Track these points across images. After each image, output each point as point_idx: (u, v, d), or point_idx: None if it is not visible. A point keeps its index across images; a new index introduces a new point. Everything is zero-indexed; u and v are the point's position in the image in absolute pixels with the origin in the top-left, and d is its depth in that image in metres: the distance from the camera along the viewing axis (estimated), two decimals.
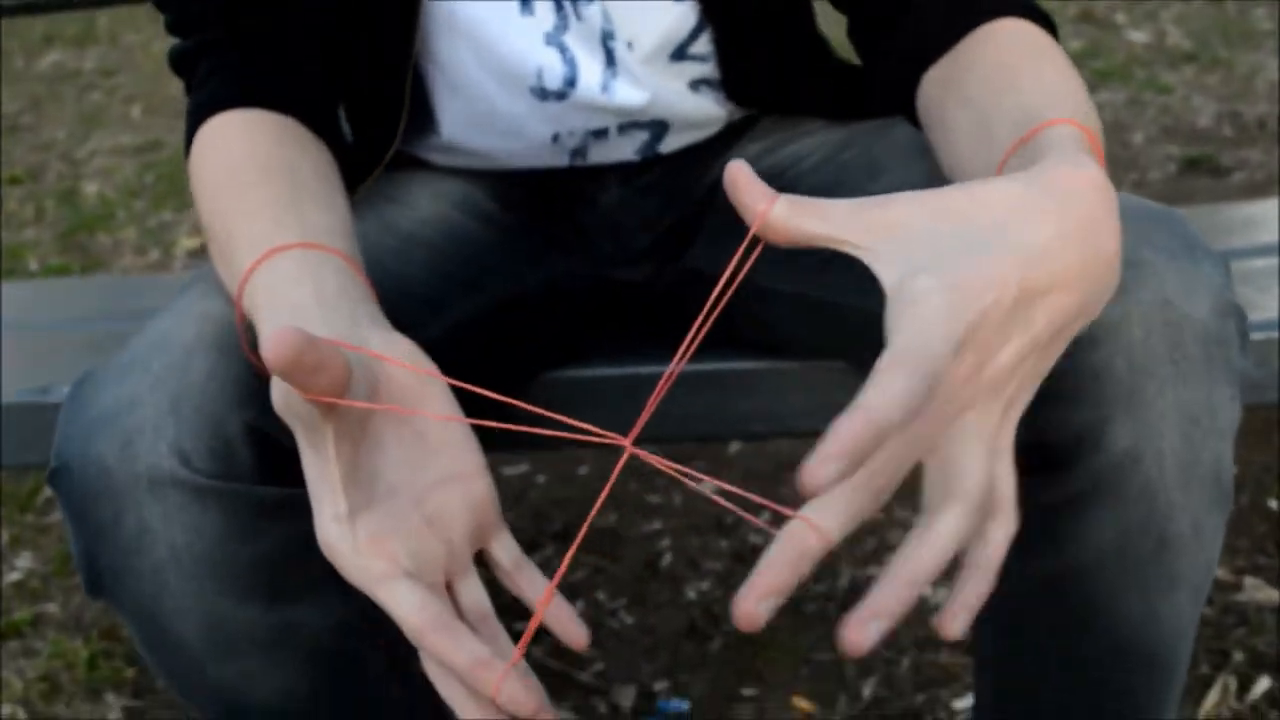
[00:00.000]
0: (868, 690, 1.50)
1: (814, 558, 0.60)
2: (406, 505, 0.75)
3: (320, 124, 0.98)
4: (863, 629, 0.58)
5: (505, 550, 0.79)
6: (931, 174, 0.96)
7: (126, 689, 1.60)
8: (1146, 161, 3.02)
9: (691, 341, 0.67)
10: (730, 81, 1.06)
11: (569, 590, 1.72)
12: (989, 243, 0.60)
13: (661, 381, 0.68)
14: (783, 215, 0.64)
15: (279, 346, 0.62)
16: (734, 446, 2.01)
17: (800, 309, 1.00)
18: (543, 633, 1.65)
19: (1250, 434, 1.84)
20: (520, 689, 0.70)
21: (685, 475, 0.67)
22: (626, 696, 1.52)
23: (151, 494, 0.80)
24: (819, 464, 0.53)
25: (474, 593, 0.78)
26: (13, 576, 1.86)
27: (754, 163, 1.09)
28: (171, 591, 0.81)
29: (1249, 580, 1.59)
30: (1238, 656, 1.47)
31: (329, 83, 1.01)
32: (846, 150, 1.05)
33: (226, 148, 0.94)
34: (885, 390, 0.55)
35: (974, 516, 0.61)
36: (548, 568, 1.76)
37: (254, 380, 0.82)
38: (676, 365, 0.67)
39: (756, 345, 1.09)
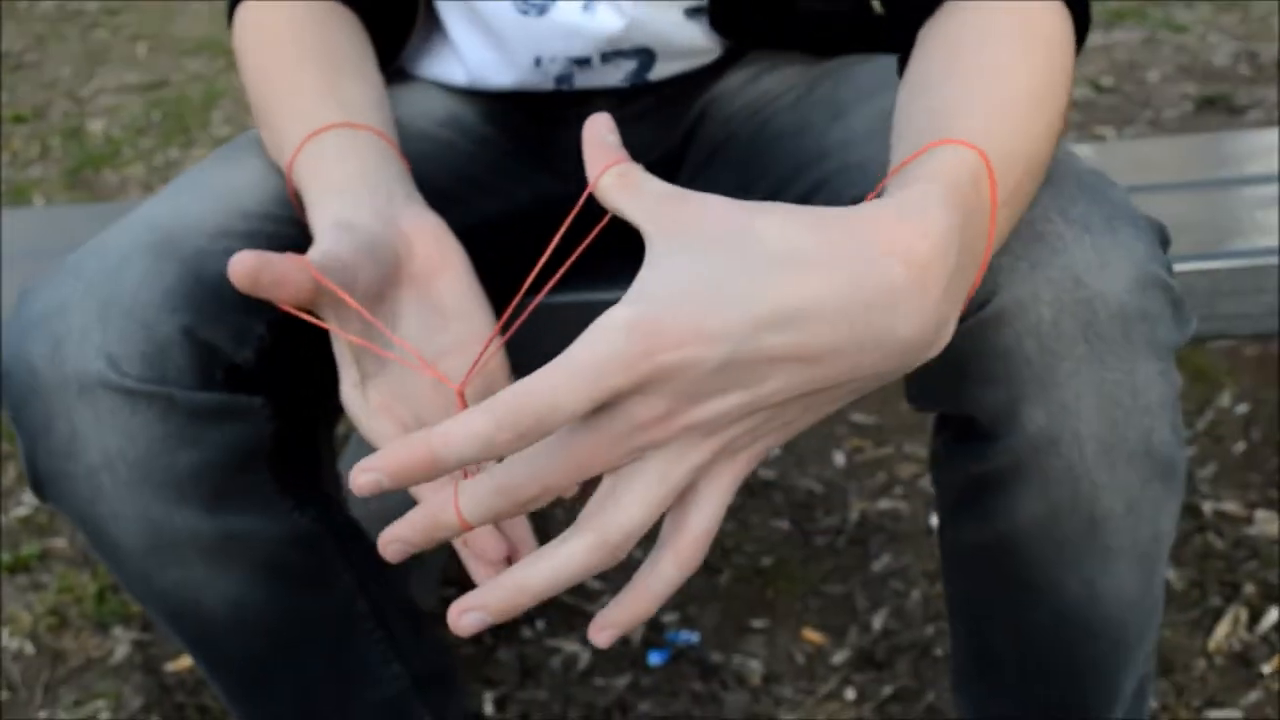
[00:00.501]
0: (877, 622, 1.49)
1: (448, 530, 0.61)
2: (416, 371, 0.80)
3: (366, 13, 1.00)
4: (463, 615, 0.61)
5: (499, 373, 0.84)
6: (879, 121, 0.91)
7: (135, 623, 1.60)
8: (1162, 100, 2.99)
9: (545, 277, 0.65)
10: (717, 11, 1.04)
11: None
12: (731, 290, 0.56)
13: (503, 318, 0.74)
14: (607, 185, 0.64)
15: (237, 270, 0.68)
16: None
17: None
18: None
19: (1262, 368, 1.82)
20: (491, 536, 0.79)
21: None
22: (635, 629, 1.52)
23: (81, 398, 0.79)
24: (359, 471, 0.57)
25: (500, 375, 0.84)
26: (19, 511, 1.86)
27: (735, 94, 1.07)
28: (107, 496, 0.81)
29: (1260, 514, 1.58)
30: (1248, 589, 1.46)
31: None
32: (816, 89, 1.03)
33: (268, 26, 0.95)
34: (462, 426, 0.56)
35: (604, 550, 0.60)
36: (558, 501, 1.75)
37: (192, 286, 0.82)
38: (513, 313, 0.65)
39: None
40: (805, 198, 0.94)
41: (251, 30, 0.96)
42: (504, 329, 0.91)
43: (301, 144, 0.85)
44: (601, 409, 0.57)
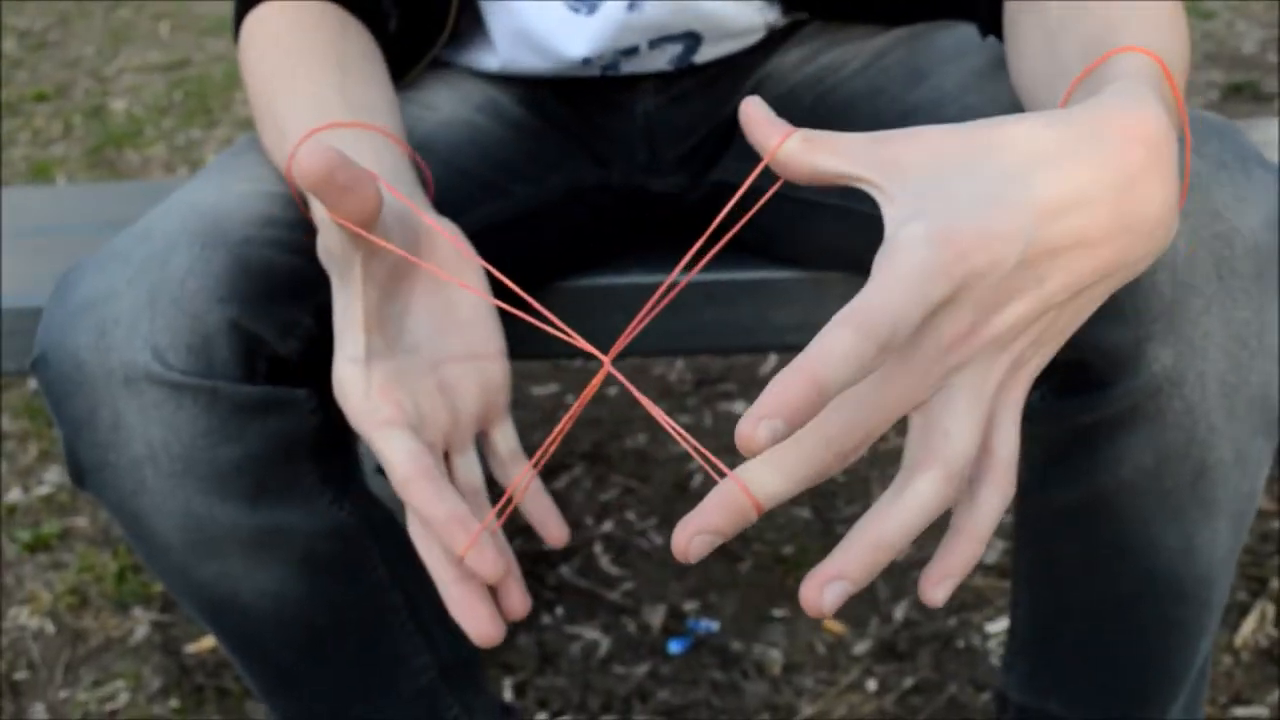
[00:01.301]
0: (899, 613, 1.48)
1: (747, 517, 0.56)
2: (423, 365, 0.78)
3: (366, 13, 0.97)
4: (820, 590, 0.56)
5: (505, 438, 0.83)
6: (972, 77, 0.92)
7: (155, 603, 1.60)
8: (1189, 88, 2.97)
9: (693, 260, 0.64)
10: None
11: (599, 510, 1.71)
12: (1004, 193, 0.55)
13: (654, 298, 0.65)
14: (795, 151, 0.60)
15: (313, 159, 0.63)
16: (765, 367, 1.99)
17: (843, 222, 0.98)
18: (571, 551, 1.65)
19: None
20: (490, 551, 0.72)
21: (669, 427, 0.64)
22: (656, 616, 1.51)
23: (127, 388, 0.78)
24: (751, 424, 0.50)
25: (470, 469, 0.80)
26: (41, 490, 1.86)
27: (793, 70, 1.06)
28: (149, 489, 0.80)
29: None
30: (1275, 584, 1.45)
31: None
32: (888, 55, 1.01)
33: (274, 33, 0.93)
34: (829, 349, 0.51)
35: (951, 483, 0.57)
36: (577, 487, 1.75)
37: (237, 276, 0.81)
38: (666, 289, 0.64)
39: (794, 260, 1.07)
40: None
41: (257, 38, 0.94)
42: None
43: (306, 135, 0.82)
44: (911, 336, 0.55)
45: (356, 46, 0.93)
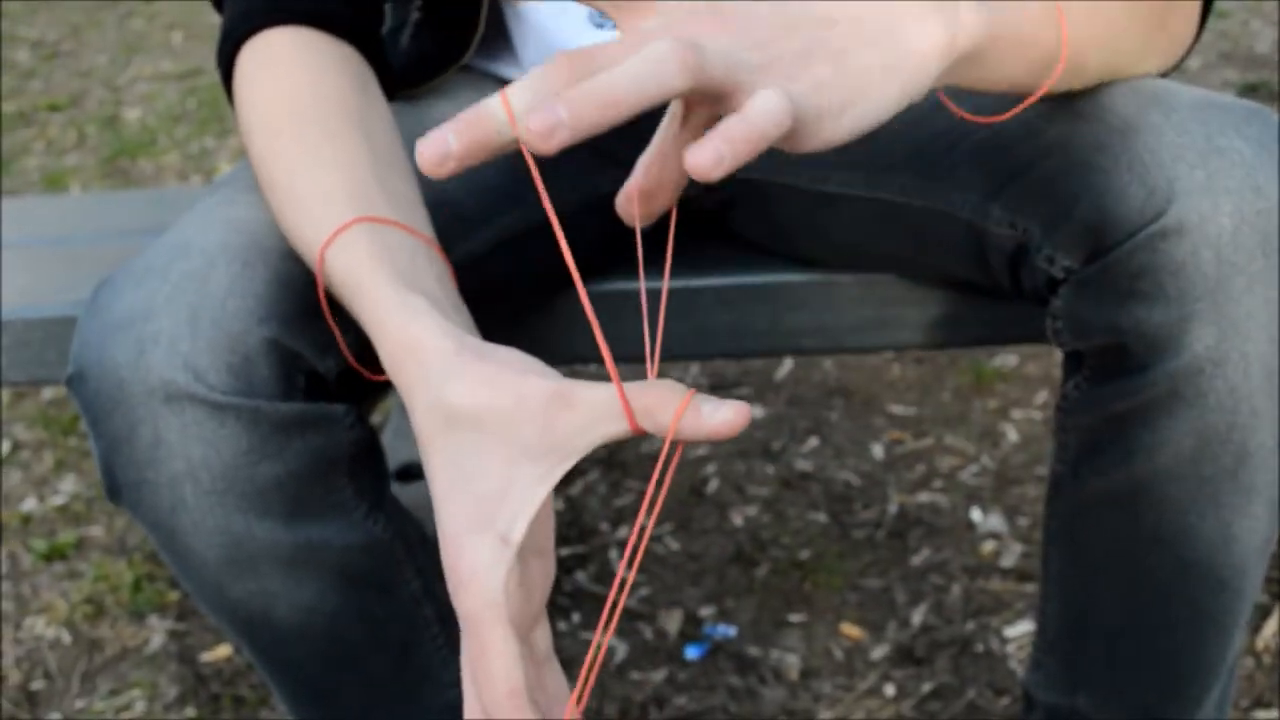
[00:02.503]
0: (917, 618, 1.48)
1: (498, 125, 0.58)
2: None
3: (366, 44, 0.93)
4: (540, 114, 0.55)
5: (543, 638, 0.74)
6: None
7: (170, 612, 1.60)
8: (1203, 87, 2.96)
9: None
10: None
11: (615, 515, 1.71)
12: None
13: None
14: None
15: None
16: (781, 372, 1.98)
17: (861, 212, 0.97)
18: (587, 557, 1.64)
19: None
20: None
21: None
22: (673, 622, 1.51)
23: (167, 406, 0.78)
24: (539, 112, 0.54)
25: (544, 638, 0.73)
26: (57, 500, 1.86)
27: None
28: (188, 507, 0.80)
29: None
30: None
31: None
32: None
33: (280, 76, 0.86)
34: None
35: (686, 52, 0.56)
36: (592, 492, 1.75)
37: (278, 294, 0.80)
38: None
39: (810, 260, 1.06)
40: (925, 145, 0.94)
41: (262, 79, 0.87)
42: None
43: (342, 229, 0.76)
44: None
45: (376, 110, 0.87)
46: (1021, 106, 0.75)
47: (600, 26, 1.00)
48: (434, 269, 0.77)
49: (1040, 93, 0.73)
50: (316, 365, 0.82)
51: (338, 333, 0.81)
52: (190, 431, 0.78)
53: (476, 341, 0.68)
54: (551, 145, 0.54)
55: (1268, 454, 0.79)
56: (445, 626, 0.94)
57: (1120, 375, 0.79)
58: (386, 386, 0.94)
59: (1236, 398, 0.76)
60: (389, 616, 0.91)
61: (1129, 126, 0.77)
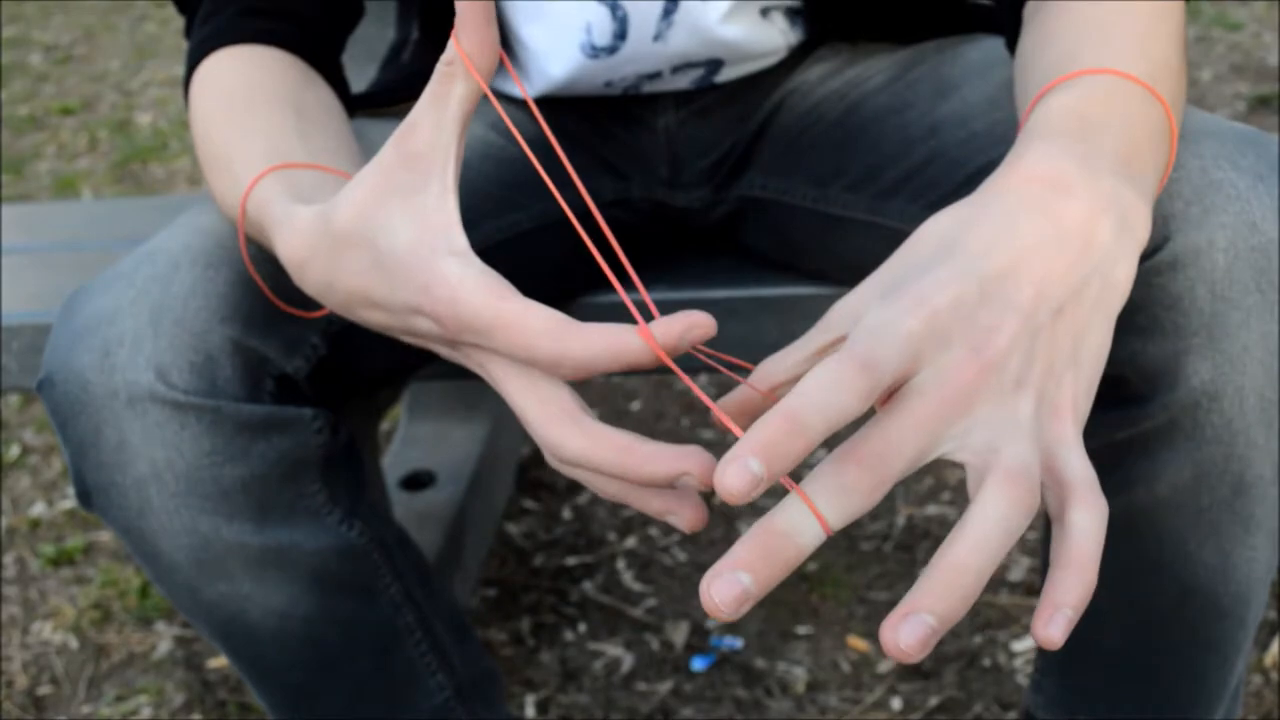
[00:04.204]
0: None
1: (808, 544, 0.52)
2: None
3: (324, 64, 0.93)
4: (896, 627, 0.51)
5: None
6: (1000, 90, 0.92)
7: (177, 618, 1.60)
8: (1215, 99, 2.95)
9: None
10: (812, 9, 1.03)
11: (622, 525, 1.71)
12: (935, 262, 0.58)
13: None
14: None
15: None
16: None
17: (870, 235, 0.97)
18: (594, 567, 1.64)
19: None
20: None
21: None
22: (679, 633, 1.50)
23: (130, 409, 0.78)
24: (728, 466, 0.49)
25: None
26: (65, 505, 1.87)
27: (817, 85, 1.05)
28: (155, 509, 0.80)
29: None
30: None
31: (333, 23, 0.96)
32: (914, 69, 1.01)
33: (226, 78, 0.87)
34: (807, 387, 0.50)
35: (1016, 484, 0.54)
36: (600, 502, 1.74)
37: (242, 294, 0.81)
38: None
39: (819, 275, 1.06)
40: (916, 171, 0.94)
41: (208, 85, 0.88)
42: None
43: (261, 175, 0.77)
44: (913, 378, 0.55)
45: (314, 95, 0.88)
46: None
47: (594, 57, 1.00)
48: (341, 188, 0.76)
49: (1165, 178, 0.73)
50: (284, 367, 0.82)
51: (251, 268, 0.81)
52: (153, 433, 0.78)
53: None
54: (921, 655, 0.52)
55: (1266, 486, 0.78)
56: (428, 632, 0.94)
57: (1119, 405, 0.79)
58: (365, 389, 0.94)
59: (1233, 431, 0.76)
60: (367, 621, 0.91)
61: None
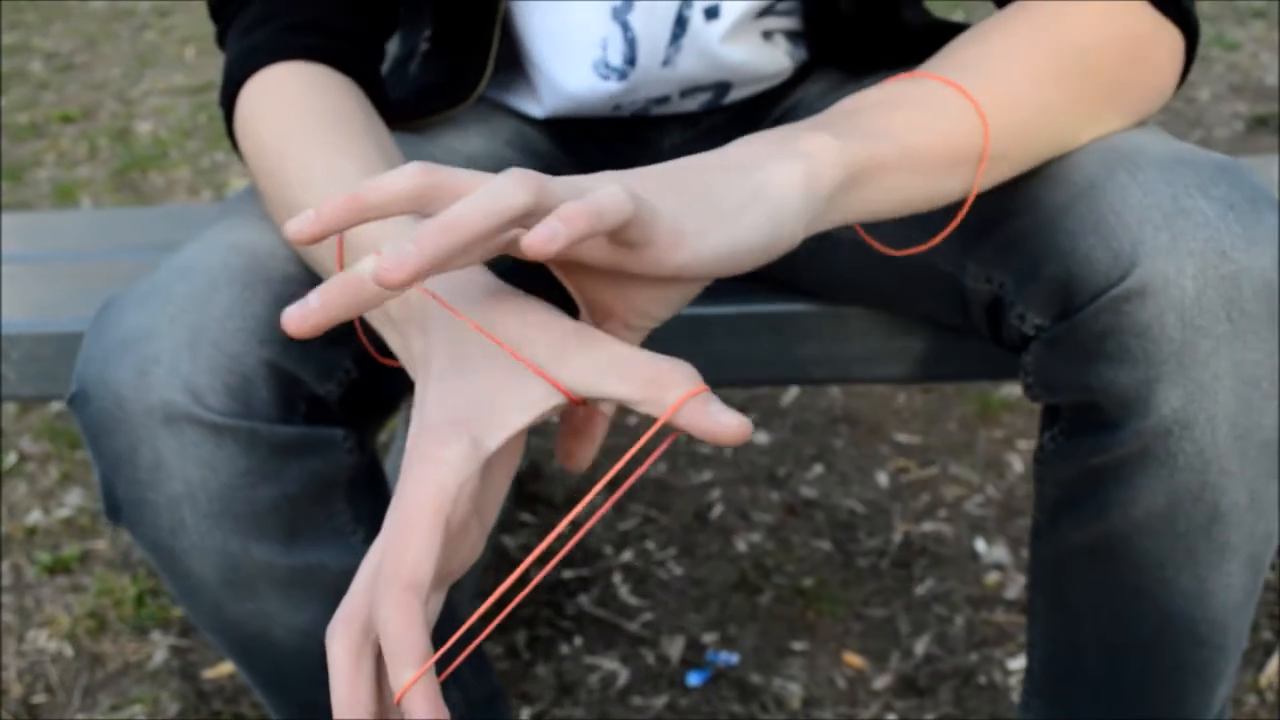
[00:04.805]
0: (920, 648, 1.47)
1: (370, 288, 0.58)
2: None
3: (365, 80, 0.93)
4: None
5: (434, 606, 0.68)
6: None
7: (173, 628, 1.60)
8: (1213, 119, 2.96)
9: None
10: (813, 34, 1.03)
11: (619, 539, 1.71)
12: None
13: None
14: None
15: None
16: (786, 398, 1.98)
17: (862, 257, 0.98)
18: (590, 581, 1.64)
19: None
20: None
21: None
22: (675, 648, 1.50)
23: (167, 427, 0.78)
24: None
25: (435, 607, 0.68)
26: (62, 513, 1.86)
27: (816, 101, 1.06)
28: (187, 528, 0.80)
29: None
30: None
31: (375, 36, 0.97)
32: None
33: (286, 98, 0.86)
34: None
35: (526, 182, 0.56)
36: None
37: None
38: None
39: (815, 292, 1.06)
40: None
41: (265, 106, 0.87)
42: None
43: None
44: None
45: (380, 125, 0.88)
46: (956, 221, 0.79)
47: (606, 78, 1.00)
48: None
49: (969, 202, 0.77)
50: (317, 389, 0.83)
51: (359, 327, 0.81)
52: (189, 453, 0.78)
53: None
54: (401, 276, 0.54)
55: (1241, 512, 0.78)
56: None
57: (1094, 431, 0.79)
58: (390, 410, 0.95)
59: (1205, 459, 0.76)
60: None
61: (1094, 186, 0.77)
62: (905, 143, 0.72)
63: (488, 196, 0.55)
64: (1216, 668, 0.87)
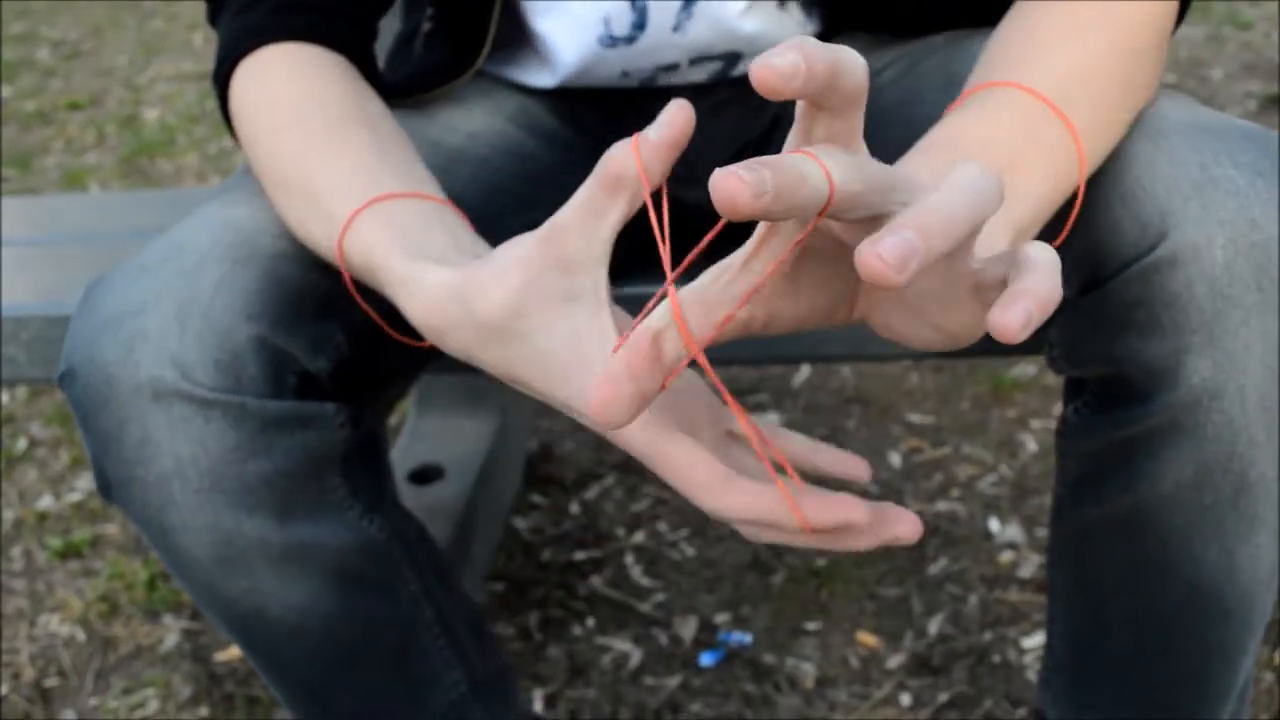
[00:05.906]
0: (934, 627, 1.47)
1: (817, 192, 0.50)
2: None
3: (363, 56, 0.93)
4: (877, 241, 0.46)
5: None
6: None
7: (185, 611, 1.60)
8: (1225, 98, 2.94)
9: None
10: (828, 2, 1.02)
11: (631, 520, 1.70)
12: None
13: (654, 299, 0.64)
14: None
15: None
16: (798, 379, 1.98)
17: None
18: (603, 562, 1.63)
19: None
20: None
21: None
22: (687, 628, 1.50)
23: (155, 404, 0.78)
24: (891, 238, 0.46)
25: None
26: (72, 497, 1.86)
27: None
28: (177, 504, 0.80)
29: None
30: None
31: (369, 11, 0.96)
32: (924, 62, 1.01)
33: (284, 88, 0.86)
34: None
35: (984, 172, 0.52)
36: (608, 497, 1.74)
37: (268, 292, 0.80)
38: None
39: None
40: None
41: (256, 91, 0.87)
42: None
43: (362, 208, 0.76)
44: None
45: (378, 108, 0.87)
46: (1064, 231, 0.77)
47: (611, 46, 0.99)
48: (446, 223, 0.77)
49: (1076, 208, 0.76)
50: (308, 365, 0.82)
51: (369, 309, 0.81)
52: (177, 428, 0.78)
53: (475, 261, 0.70)
54: (904, 276, 0.46)
55: (1269, 484, 0.78)
56: (446, 628, 0.94)
57: (1121, 403, 0.78)
58: (386, 386, 0.94)
59: (1234, 429, 0.75)
60: (386, 618, 0.90)
61: (1119, 157, 0.76)
62: (1041, 201, 0.72)
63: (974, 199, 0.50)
64: (1241, 642, 0.86)
